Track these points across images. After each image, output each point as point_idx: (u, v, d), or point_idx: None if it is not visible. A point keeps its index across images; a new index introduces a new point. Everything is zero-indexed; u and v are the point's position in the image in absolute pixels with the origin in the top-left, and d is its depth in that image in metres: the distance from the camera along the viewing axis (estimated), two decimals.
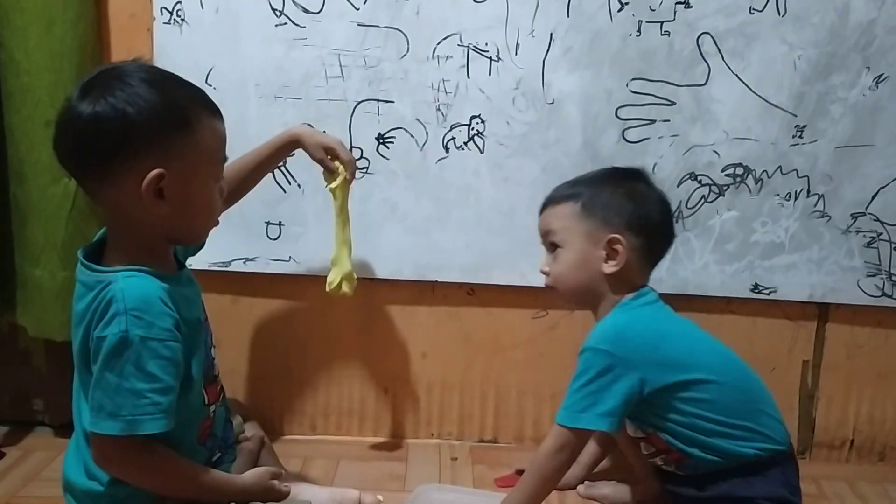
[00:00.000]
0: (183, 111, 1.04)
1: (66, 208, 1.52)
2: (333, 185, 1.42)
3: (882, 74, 1.56)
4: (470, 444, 1.74)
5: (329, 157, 1.41)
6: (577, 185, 1.38)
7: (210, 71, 1.55)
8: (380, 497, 1.37)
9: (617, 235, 1.31)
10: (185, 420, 1.09)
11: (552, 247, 1.37)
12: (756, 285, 1.66)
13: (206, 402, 1.16)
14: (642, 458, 1.43)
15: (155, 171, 1.01)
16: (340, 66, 1.56)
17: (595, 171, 1.45)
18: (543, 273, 1.39)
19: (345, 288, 1.48)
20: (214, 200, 1.12)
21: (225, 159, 1.13)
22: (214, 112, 1.09)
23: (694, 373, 1.28)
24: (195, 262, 1.52)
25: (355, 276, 1.49)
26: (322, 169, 1.43)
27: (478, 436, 1.76)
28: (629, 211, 1.33)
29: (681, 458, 1.31)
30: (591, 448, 1.52)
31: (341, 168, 1.41)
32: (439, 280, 1.66)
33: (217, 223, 1.16)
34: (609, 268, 1.32)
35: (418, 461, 1.66)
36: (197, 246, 1.26)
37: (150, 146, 1.01)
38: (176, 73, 1.09)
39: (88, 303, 1.04)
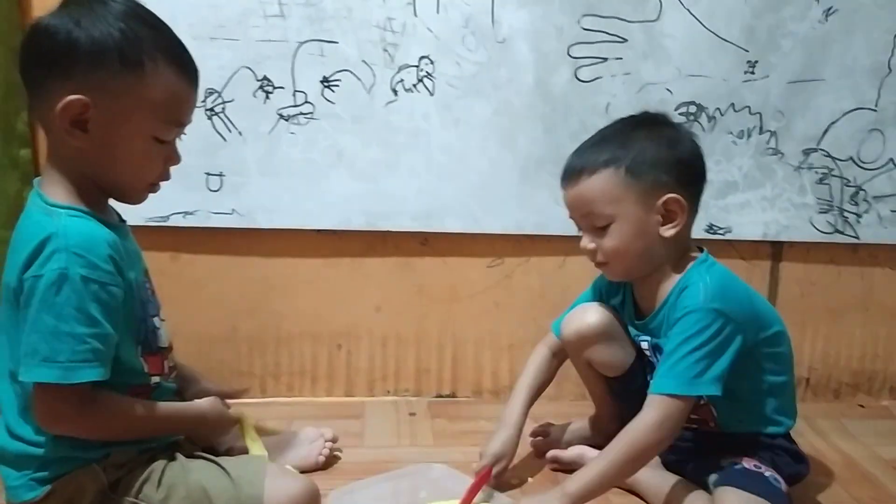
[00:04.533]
0: (139, 51, 0.98)
1: None
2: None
3: (831, 7, 1.56)
4: (427, 400, 1.69)
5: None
6: (606, 147, 1.21)
7: None
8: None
9: (672, 195, 1.18)
10: (113, 378, 1.01)
11: (597, 223, 1.21)
12: (711, 225, 1.64)
13: (145, 369, 1.08)
14: (606, 394, 1.39)
15: (74, 97, 0.96)
16: (279, 3, 1.48)
17: (611, 126, 1.27)
18: (587, 250, 1.23)
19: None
20: (148, 158, 1.04)
21: (180, 123, 1.05)
22: (183, 72, 1.03)
23: (775, 325, 1.23)
24: (130, 217, 1.44)
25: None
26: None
27: (435, 390, 1.71)
28: (675, 163, 1.19)
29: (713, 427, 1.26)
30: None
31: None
32: (390, 229, 1.60)
33: (156, 188, 1.09)
34: (668, 231, 1.19)
35: (375, 418, 1.60)
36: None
37: (86, 73, 0.96)
38: None
39: (22, 234, 0.98)
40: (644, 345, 1.30)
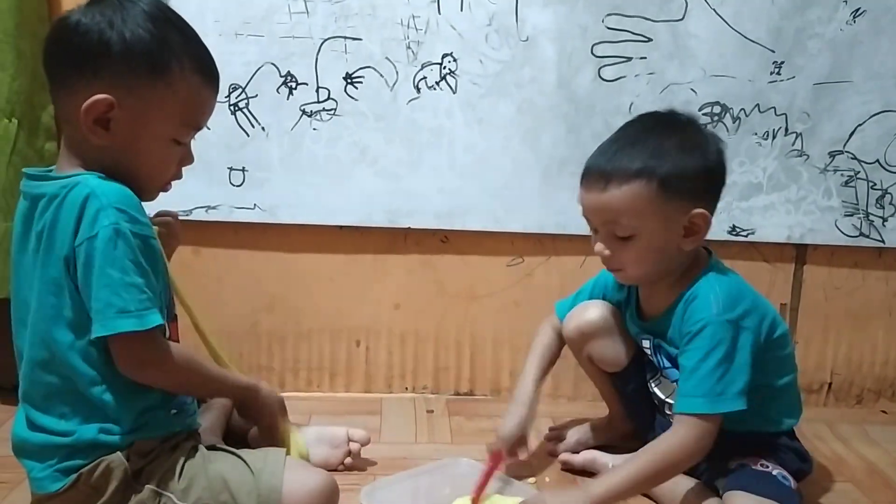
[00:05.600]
0: (168, 56, 0.99)
1: (6, 152, 1.43)
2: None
3: (859, 8, 1.54)
4: (446, 397, 1.69)
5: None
6: (637, 154, 1.15)
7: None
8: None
9: (700, 210, 1.15)
10: None
11: (619, 234, 1.18)
12: (734, 227, 1.63)
13: (167, 335, 1.08)
14: (615, 394, 1.39)
15: (101, 96, 0.97)
16: (305, 0, 1.49)
17: (637, 125, 1.22)
18: (601, 255, 1.21)
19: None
20: (165, 159, 1.06)
21: (199, 128, 1.07)
22: (208, 78, 1.04)
23: (780, 327, 1.22)
24: (153, 211, 1.45)
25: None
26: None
27: (453, 388, 1.71)
28: (705, 173, 1.16)
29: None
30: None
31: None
32: (412, 226, 1.60)
33: (168, 187, 1.10)
34: (689, 244, 1.17)
35: (393, 415, 1.61)
36: None
37: (115, 73, 0.97)
38: None
39: (55, 210, 0.97)
40: (645, 343, 1.30)
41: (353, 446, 1.34)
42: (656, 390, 1.32)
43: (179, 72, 1.00)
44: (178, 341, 1.12)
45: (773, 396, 1.23)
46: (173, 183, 1.10)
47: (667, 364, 1.26)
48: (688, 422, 1.12)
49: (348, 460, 1.33)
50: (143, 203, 1.07)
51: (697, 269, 1.22)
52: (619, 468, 1.17)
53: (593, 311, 1.34)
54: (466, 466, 1.31)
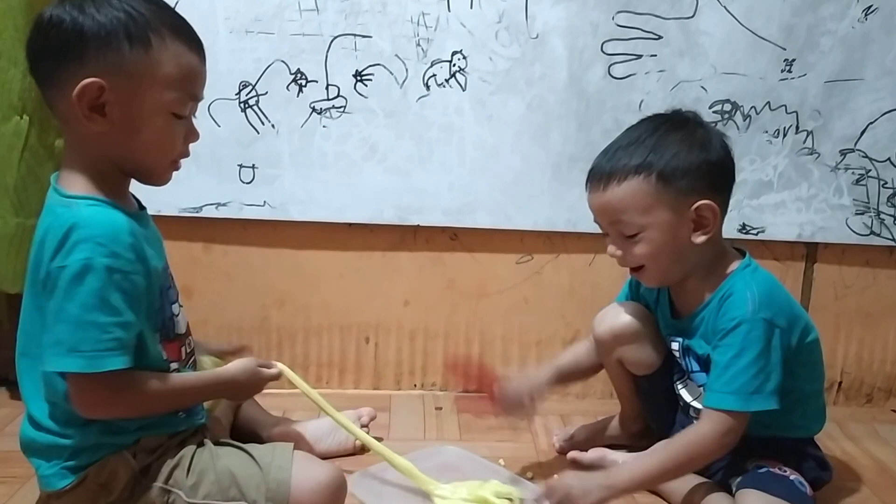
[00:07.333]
0: (145, 28, 0.98)
1: (18, 148, 1.44)
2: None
3: (871, 6, 1.53)
4: (455, 394, 1.69)
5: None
6: (636, 151, 1.16)
7: (177, 3, 1.45)
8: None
9: (706, 202, 1.15)
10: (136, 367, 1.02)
11: (627, 232, 1.18)
12: (744, 225, 1.63)
13: (164, 357, 1.07)
14: (634, 393, 1.39)
15: (89, 80, 0.95)
16: None
17: (640, 126, 1.22)
18: (614, 256, 1.21)
19: None
20: (168, 134, 1.04)
21: (195, 97, 1.05)
22: (190, 43, 1.03)
23: (812, 332, 1.22)
24: (164, 208, 1.47)
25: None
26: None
27: (462, 385, 1.71)
28: (708, 167, 1.15)
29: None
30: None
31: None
32: (421, 223, 1.61)
33: (177, 165, 1.08)
34: (700, 237, 1.17)
35: (402, 411, 1.61)
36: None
37: (97, 57, 0.96)
38: None
39: (46, 229, 0.97)
40: (675, 345, 1.29)
41: (365, 419, 1.42)
42: (682, 392, 1.31)
43: (159, 42, 0.99)
44: (179, 359, 1.10)
45: (800, 402, 1.22)
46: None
47: (695, 368, 1.25)
48: (716, 417, 1.12)
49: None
50: (158, 187, 1.07)
51: (730, 267, 1.21)
52: (642, 457, 1.18)
53: (627, 315, 1.32)
54: (453, 453, 1.32)
